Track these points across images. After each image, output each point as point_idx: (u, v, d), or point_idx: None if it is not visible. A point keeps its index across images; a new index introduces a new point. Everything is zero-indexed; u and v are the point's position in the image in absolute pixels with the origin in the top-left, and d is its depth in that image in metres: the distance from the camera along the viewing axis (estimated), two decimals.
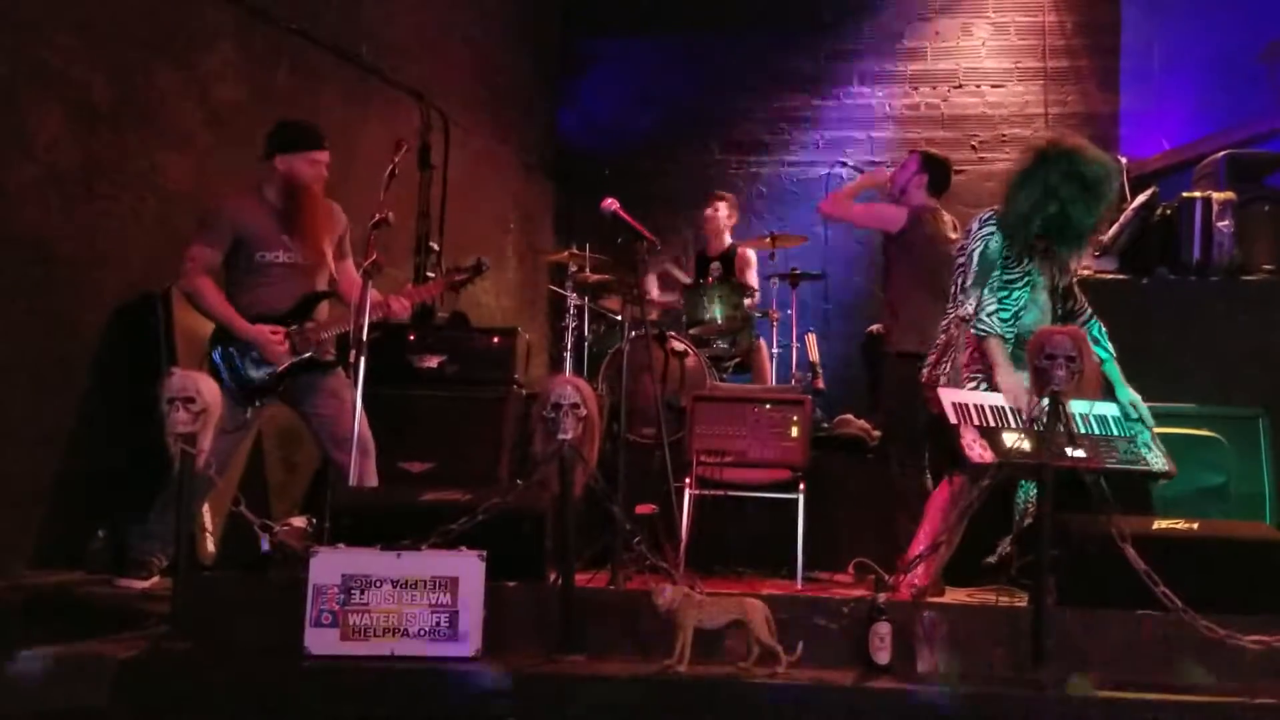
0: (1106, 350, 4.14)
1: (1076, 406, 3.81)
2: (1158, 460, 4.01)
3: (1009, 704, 3.06)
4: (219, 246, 4.30)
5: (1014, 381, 3.95)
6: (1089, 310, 4.23)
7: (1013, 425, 3.90)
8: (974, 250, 4.13)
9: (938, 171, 5.24)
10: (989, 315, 4.04)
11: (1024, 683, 3.14)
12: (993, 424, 3.91)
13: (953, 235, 5.16)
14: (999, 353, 4.01)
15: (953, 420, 3.88)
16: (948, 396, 3.96)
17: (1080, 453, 3.77)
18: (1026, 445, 3.87)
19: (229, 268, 4.35)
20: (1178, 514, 3.71)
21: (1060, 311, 4.15)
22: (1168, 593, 3.16)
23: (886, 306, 5.18)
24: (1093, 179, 3.90)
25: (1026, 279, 4.06)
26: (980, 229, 4.15)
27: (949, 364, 4.24)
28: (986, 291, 4.07)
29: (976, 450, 3.84)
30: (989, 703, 3.07)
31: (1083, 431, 3.81)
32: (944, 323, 4.28)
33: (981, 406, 3.94)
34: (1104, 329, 4.19)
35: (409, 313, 4.56)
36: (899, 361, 4.89)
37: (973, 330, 4.08)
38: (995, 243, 4.09)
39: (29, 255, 4.31)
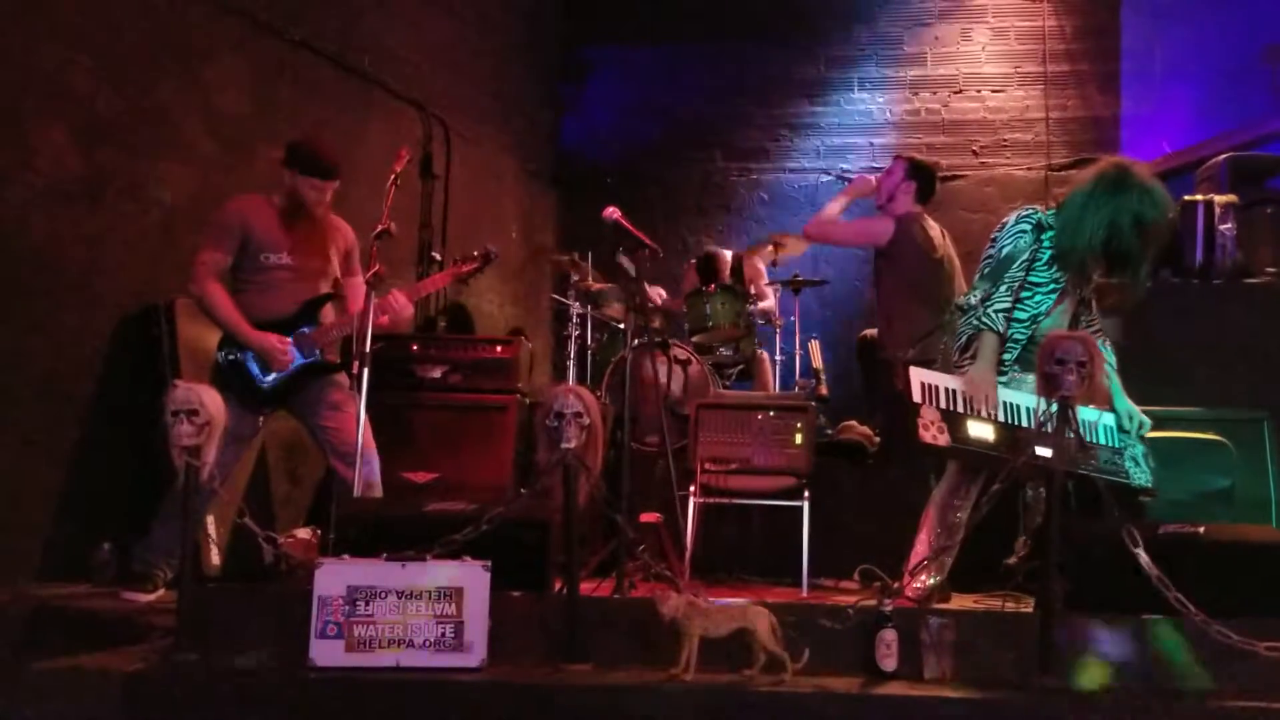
0: (1109, 363, 4.14)
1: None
2: (1141, 475, 4.00)
3: (1016, 710, 3.06)
4: (228, 250, 4.31)
5: (985, 379, 3.96)
6: (1098, 325, 4.22)
7: (985, 416, 3.91)
8: (1002, 245, 4.11)
9: (924, 178, 5.24)
10: (995, 311, 4.02)
11: (1031, 689, 3.13)
12: (961, 411, 3.91)
13: (940, 242, 5.16)
14: (989, 350, 4.01)
15: (916, 399, 3.88)
16: (918, 375, 3.95)
17: (1048, 452, 3.77)
18: (991, 436, 3.88)
19: (235, 269, 4.36)
20: (1183, 518, 3.70)
21: (1081, 324, 4.14)
22: (1181, 598, 3.14)
23: (880, 315, 5.20)
24: (1153, 218, 3.87)
25: (1054, 285, 4.05)
26: (1015, 225, 4.11)
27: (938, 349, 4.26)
28: (1001, 288, 4.04)
29: (931, 433, 3.85)
30: (996, 709, 3.07)
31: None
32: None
33: (953, 392, 3.94)
34: (1108, 343, 4.18)
35: (411, 310, 4.54)
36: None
37: (975, 321, 4.07)
38: (1025, 241, 4.06)
39: (33, 266, 4.33)
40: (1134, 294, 4.09)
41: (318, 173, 4.42)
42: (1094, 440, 3.96)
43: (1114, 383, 4.12)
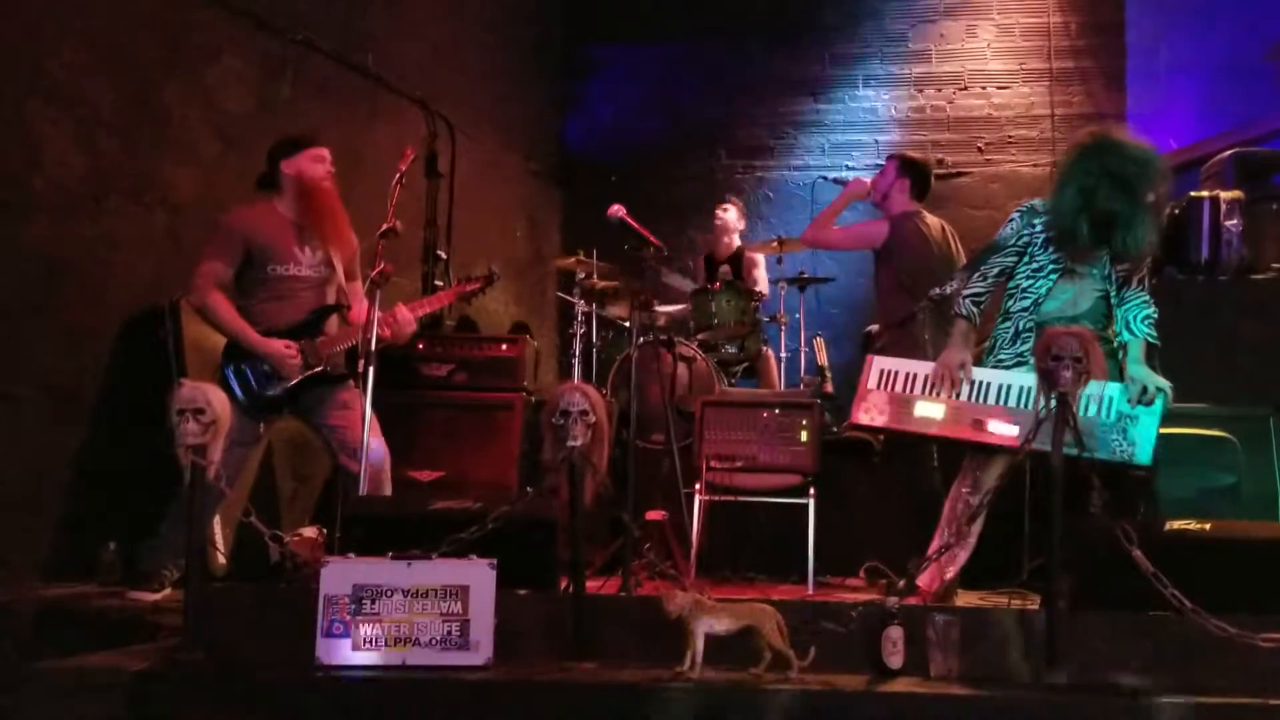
0: (1131, 333, 3.98)
1: (1022, 378, 3.87)
2: (1123, 449, 3.78)
3: (1023, 707, 3.05)
4: (230, 261, 4.31)
5: (955, 360, 3.96)
6: (1144, 296, 4.04)
7: (940, 398, 3.93)
8: (996, 236, 4.14)
9: (918, 175, 5.26)
10: (964, 297, 4.07)
11: (1037, 686, 3.13)
12: (915, 394, 3.96)
13: (938, 239, 5.16)
14: (959, 335, 4.05)
15: (870, 385, 3.99)
16: (878, 364, 4.05)
17: (1009, 429, 3.77)
18: (938, 416, 3.89)
19: (240, 281, 4.36)
20: (1189, 515, 3.69)
21: (1114, 299, 4.06)
22: (1177, 593, 3.14)
23: (880, 314, 5.22)
24: (1128, 174, 3.81)
25: (1053, 267, 4.03)
26: (1011, 215, 4.14)
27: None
28: (974, 274, 4.08)
29: (871, 414, 3.98)
30: (1003, 706, 3.06)
31: (1024, 407, 3.82)
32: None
33: (913, 376, 3.99)
34: (1149, 317, 4.00)
35: (414, 326, 4.57)
36: None
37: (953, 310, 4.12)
38: (1010, 229, 4.09)
39: (38, 268, 4.34)
40: (1135, 264, 4.00)
41: (305, 142, 4.44)
42: (1094, 413, 3.81)
43: (1134, 351, 3.95)
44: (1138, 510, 3.83)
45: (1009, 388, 3.92)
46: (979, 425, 3.86)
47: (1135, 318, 4.01)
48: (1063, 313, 4.01)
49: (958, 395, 3.95)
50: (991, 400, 3.92)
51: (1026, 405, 3.80)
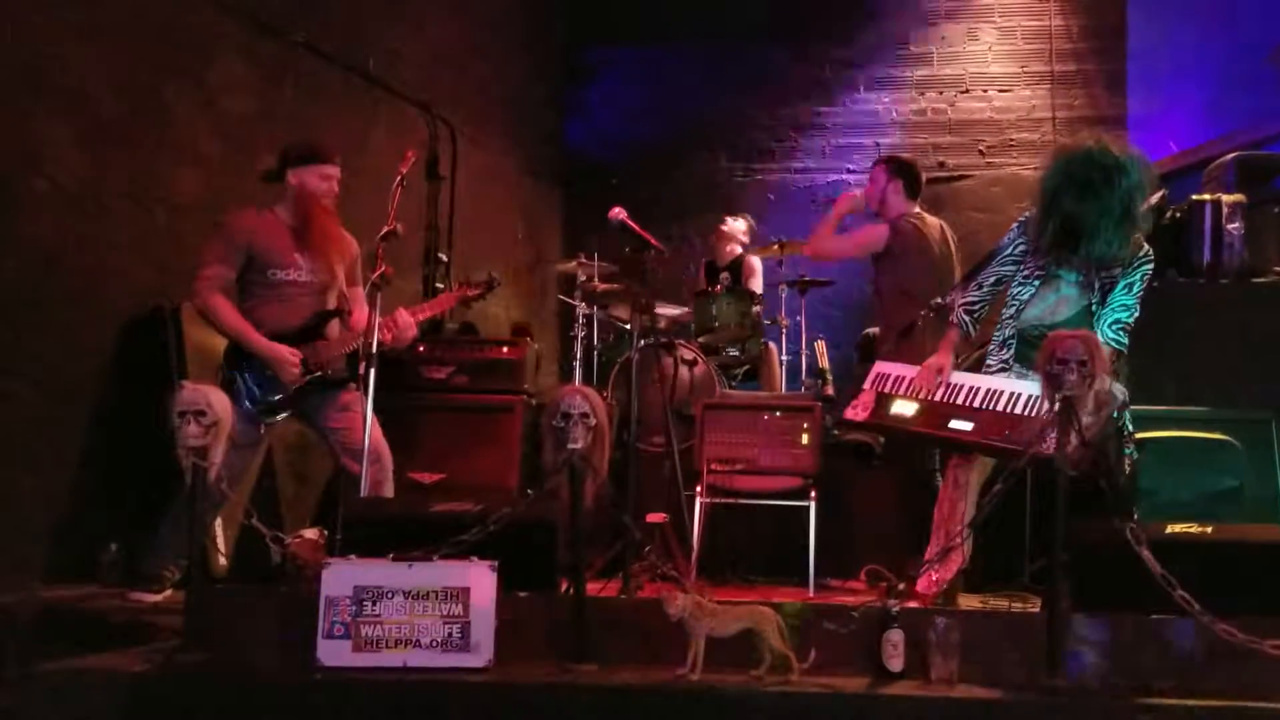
0: (1113, 340, 3.93)
1: (997, 382, 3.92)
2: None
3: (1023, 710, 3.05)
4: (231, 264, 4.31)
5: (935, 364, 4.04)
6: (1126, 301, 3.95)
7: (916, 397, 4.05)
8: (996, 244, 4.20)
9: (908, 175, 5.26)
10: (959, 305, 4.16)
11: (1038, 689, 3.12)
12: (898, 393, 4.10)
13: (937, 239, 5.16)
14: (948, 342, 4.13)
15: (865, 386, 4.18)
16: (878, 368, 4.21)
17: (965, 425, 3.85)
18: (910, 413, 4.04)
19: (241, 284, 4.36)
20: (1191, 518, 3.68)
21: (1096, 306, 4.04)
22: (1186, 596, 3.13)
23: (879, 316, 5.23)
24: (1091, 179, 3.79)
25: (1040, 274, 4.04)
26: (1013, 224, 4.20)
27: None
28: (971, 284, 4.16)
29: (856, 410, 4.16)
30: (1003, 709, 3.06)
31: (986, 407, 3.87)
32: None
33: (901, 378, 4.13)
34: (1118, 322, 3.94)
35: (415, 331, 4.57)
36: None
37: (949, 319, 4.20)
38: (1007, 239, 4.14)
39: (39, 269, 4.34)
40: (1124, 270, 3.96)
41: (319, 157, 4.43)
42: (1025, 413, 3.78)
43: None
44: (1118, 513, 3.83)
45: (977, 390, 3.98)
46: (942, 422, 3.96)
47: (1106, 322, 3.99)
48: (1041, 320, 4.01)
49: (932, 396, 4.03)
50: (960, 401, 4.00)
51: (986, 406, 3.89)
